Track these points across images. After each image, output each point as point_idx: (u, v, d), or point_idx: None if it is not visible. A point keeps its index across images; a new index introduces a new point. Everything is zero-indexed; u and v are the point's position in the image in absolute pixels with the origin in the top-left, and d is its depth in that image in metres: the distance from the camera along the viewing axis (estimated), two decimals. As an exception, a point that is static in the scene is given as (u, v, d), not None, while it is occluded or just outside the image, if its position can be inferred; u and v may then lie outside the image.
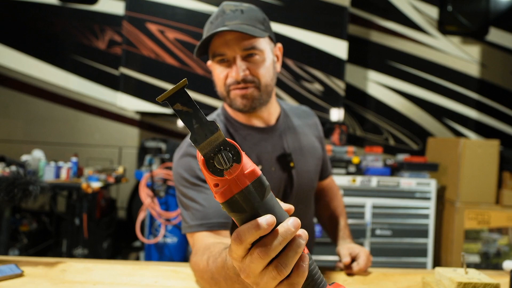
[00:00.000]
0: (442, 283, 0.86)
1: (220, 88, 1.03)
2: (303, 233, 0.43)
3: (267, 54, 1.01)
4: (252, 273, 0.43)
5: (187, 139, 1.02)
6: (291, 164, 1.08)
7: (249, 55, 0.97)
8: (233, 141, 0.41)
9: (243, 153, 0.42)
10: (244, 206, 0.41)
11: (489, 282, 0.80)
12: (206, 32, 0.99)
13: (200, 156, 0.41)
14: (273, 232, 0.42)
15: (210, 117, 1.12)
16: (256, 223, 0.41)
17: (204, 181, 0.96)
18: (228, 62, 0.99)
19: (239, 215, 0.42)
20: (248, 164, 0.42)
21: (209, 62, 1.06)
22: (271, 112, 1.10)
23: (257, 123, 1.08)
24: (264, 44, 0.99)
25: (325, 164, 1.28)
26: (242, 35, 0.95)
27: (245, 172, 0.41)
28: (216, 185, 0.42)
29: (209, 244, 0.85)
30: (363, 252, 1.07)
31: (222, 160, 0.40)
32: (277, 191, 1.06)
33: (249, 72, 0.97)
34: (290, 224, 0.42)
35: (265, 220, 0.41)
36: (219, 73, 1.01)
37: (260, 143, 1.06)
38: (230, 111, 1.10)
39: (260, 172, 0.43)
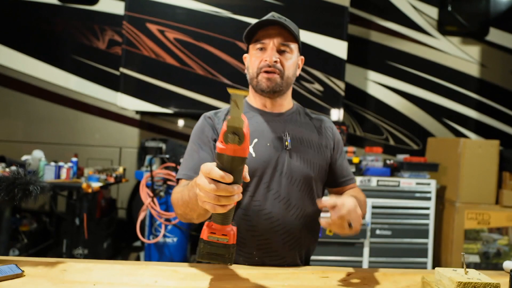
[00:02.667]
0: (442, 283, 0.86)
1: (252, 70, 1.20)
2: (238, 195, 0.73)
3: (295, 56, 1.21)
4: (203, 191, 0.74)
5: (213, 112, 1.25)
6: (286, 143, 1.17)
7: (282, 51, 1.18)
8: (246, 133, 0.68)
9: (247, 141, 0.69)
10: (224, 162, 0.70)
11: (489, 282, 0.81)
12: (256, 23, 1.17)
13: (224, 128, 0.68)
14: (226, 184, 0.71)
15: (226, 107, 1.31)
16: (223, 174, 0.70)
17: (206, 144, 1.17)
18: (265, 51, 1.17)
19: (219, 164, 0.71)
20: (245, 147, 0.69)
21: (246, 55, 1.26)
22: (284, 104, 1.26)
23: (268, 108, 1.24)
24: (295, 48, 1.21)
25: (340, 170, 1.27)
26: (283, 33, 1.16)
27: (239, 150, 0.69)
28: (220, 143, 0.69)
29: (186, 183, 1.05)
30: (349, 201, 0.95)
31: (231, 139, 0.68)
32: (267, 164, 1.14)
33: (279, 61, 1.16)
34: (236, 187, 0.72)
35: (227, 176, 0.70)
36: (254, 59, 1.19)
37: (263, 123, 1.21)
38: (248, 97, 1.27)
39: (247, 155, 0.71)
